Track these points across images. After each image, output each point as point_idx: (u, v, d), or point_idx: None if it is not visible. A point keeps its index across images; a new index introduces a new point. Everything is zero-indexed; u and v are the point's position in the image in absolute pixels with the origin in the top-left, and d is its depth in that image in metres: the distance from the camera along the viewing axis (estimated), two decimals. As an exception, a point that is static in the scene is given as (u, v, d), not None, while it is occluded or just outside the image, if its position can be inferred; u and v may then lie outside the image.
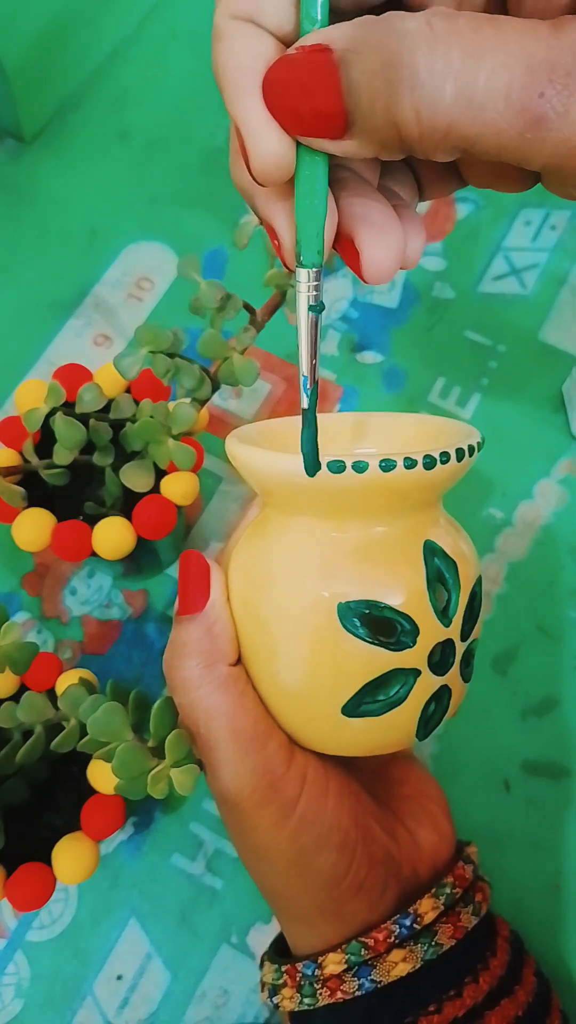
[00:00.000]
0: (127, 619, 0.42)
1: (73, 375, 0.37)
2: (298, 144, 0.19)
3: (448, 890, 0.28)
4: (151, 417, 0.33)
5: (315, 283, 0.21)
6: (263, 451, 0.25)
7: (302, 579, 0.25)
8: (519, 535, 0.43)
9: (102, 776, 0.32)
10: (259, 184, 0.20)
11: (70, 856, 0.32)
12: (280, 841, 0.26)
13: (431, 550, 0.25)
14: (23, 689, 0.34)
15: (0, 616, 0.29)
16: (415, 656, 0.25)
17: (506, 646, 0.41)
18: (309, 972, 0.27)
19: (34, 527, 0.34)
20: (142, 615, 0.42)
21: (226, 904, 0.37)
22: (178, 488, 0.35)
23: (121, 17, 0.55)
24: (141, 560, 0.41)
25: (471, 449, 0.25)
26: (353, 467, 0.23)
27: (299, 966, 0.28)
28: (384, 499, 0.24)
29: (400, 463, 0.23)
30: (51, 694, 0.33)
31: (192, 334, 0.44)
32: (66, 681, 0.33)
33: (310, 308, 0.21)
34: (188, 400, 0.33)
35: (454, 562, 0.26)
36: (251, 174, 0.20)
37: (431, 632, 0.25)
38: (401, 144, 0.18)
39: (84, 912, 0.37)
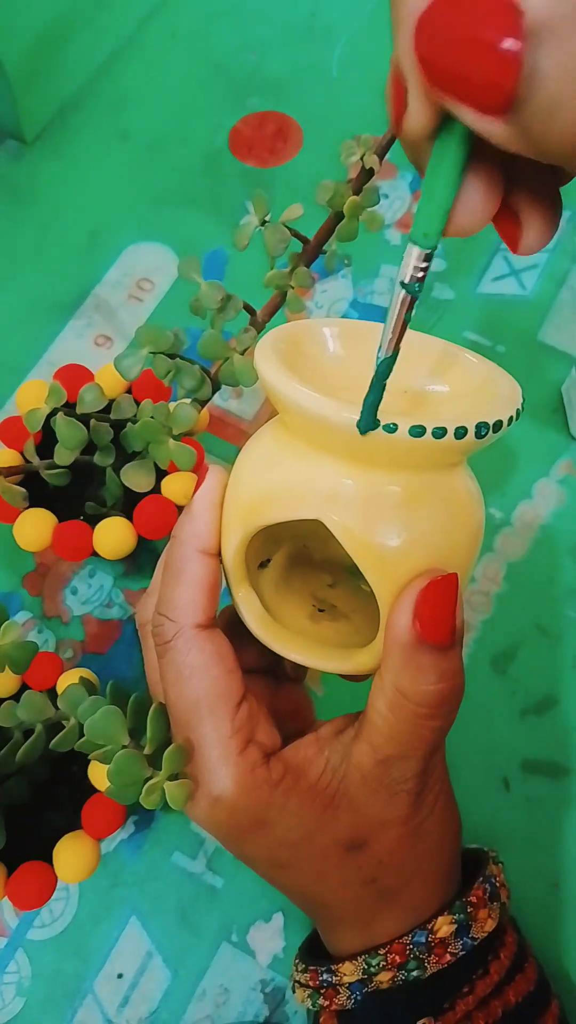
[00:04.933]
0: (128, 619, 0.42)
1: (74, 376, 0.37)
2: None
3: (491, 883, 0.30)
4: (152, 417, 0.33)
5: (422, 264, 0.20)
6: (318, 396, 0.24)
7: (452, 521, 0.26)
8: (518, 535, 0.44)
9: (103, 775, 0.32)
10: (401, 134, 0.18)
11: (71, 855, 0.32)
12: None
13: None
14: (24, 688, 0.34)
15: (1, 615, 0.29)
16: None
17: (505, 645, 0.42)
18: (422, 940, 0.28)
19: (35, 527, 0.34)
20: (142, 615, 0.42)
21: (226, 902, 0.37)
22: (179, 488, 0.35)
23: (121, 18, 0.55)
24: (142, 560, 0.41)
25: (513, 417, 0.25)
26: (433, 432, 0.23)
27: (406, 939, 0.28)
28: (447, 456, 0.25)
29: (471, 430, 0.23)
30: (52, 693, 0.33)
31: (192, 335, 0.44)
32: (67, 680, 0.34)
33: (402, 283, 0.20)
34: (189, 400, 0.33)
35: None
36: (396, 120, 0.18)
37: None
38: (570, 154, 0.16)
39: (85, 911, 0.37)
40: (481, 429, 0.23)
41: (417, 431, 0.23)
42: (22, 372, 0.47)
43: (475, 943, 0.28)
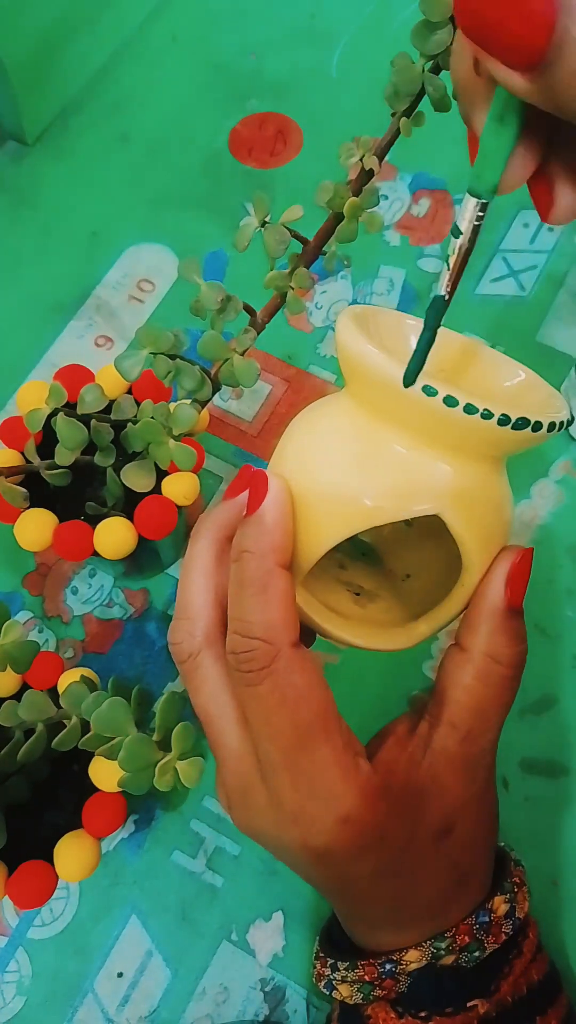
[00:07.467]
0: (128, 618, 0.42)
1: (75, 376, 0.38)
2: None
3: (522, 866, 0.31)
4: (152, 418, 0.33)
5: (478, 213, 0.21)
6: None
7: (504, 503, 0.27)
8: (517, 535, 0.44)
9: (103, 774, 0.32)
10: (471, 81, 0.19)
11: (71, 854, 0.32)
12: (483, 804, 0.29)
13: None
14: (25, 688, 0.35)
15: (2, 615, 0.29)
16: None
17: (505, 645, 0.42)
18: (485, 920, 0.28)
19: (36, 527, 0.34)
20: (143, 614, 0.42)
21: (226, 901, 0.37)
22: (179, 488, 0.35)
23: (122, 20, 0.55)
24: (142, 560, 0.41)
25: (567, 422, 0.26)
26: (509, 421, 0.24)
27: (471, 920, 0.28)
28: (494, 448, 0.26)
29: (530, 423, 0.24)
30: (53, 693, 0.34)
31: (193, 335, 0.44)
32: (67, 680, 0.34)
33: (452, 231, 0.22)
34: (189, 401, 0.33)
35: None
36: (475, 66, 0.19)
37: None
38: None
39: (85, 909, 0.37)
40: (560, 425, 0.25)
41: (536, 425, 0.24)
42: (23, 373, 0.47)
43: (519, 923, 0.29)
